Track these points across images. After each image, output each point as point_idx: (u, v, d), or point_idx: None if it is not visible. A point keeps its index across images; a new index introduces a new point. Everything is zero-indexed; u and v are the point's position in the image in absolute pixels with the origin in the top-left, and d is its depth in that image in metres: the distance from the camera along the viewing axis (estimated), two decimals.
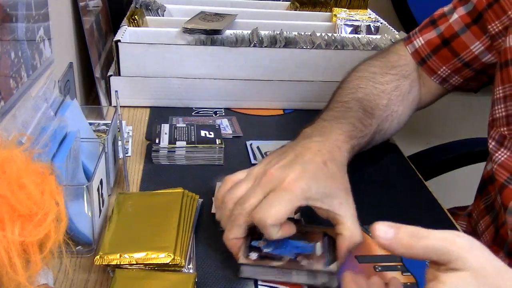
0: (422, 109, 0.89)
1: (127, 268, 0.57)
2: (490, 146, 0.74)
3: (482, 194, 0.85)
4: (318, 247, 0.58)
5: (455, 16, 0.80)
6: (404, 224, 0.46)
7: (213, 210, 0.68)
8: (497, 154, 0.73)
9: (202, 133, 0.85)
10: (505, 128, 0.71)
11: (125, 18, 1.11)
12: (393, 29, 1.17)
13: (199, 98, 1.01)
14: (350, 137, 0.69)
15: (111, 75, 0.98)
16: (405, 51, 0.86)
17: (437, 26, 0.83)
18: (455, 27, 0.80)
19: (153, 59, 0.98)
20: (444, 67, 0.82)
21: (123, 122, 0.88)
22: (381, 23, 1.23)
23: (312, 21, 1.26)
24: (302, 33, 1.08)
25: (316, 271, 0.55)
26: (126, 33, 1.03)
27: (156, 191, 0.69)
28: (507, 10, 0.73)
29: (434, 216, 0.74)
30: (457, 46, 0.80)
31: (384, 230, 0.46)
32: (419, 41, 0.84)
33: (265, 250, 0.57)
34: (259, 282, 0.58)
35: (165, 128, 0.86)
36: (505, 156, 0.71)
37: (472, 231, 0.85)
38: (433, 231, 0.45)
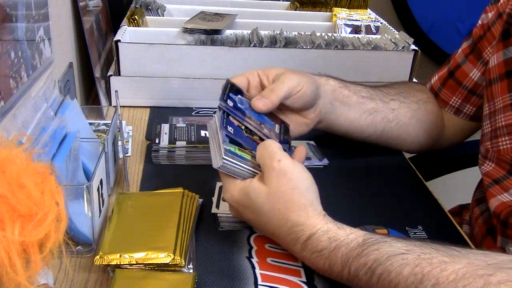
0: (453, 144, 0.94)
1: (127, 268, 0.57)
2: (479, 159, 0.78)
3: (477, 188, 0.88)
4: (277, 127, 0.69)
5: (459, 50, 0.88)
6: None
7: (213, 210, 0.68)
8: (483, 167, 0.77)
9: (202, 133, 0.84)
10: (488, 143, 0.75)
11: (125, 18, 1.11)
12: (393, 29, 1.17)
13: (199, 98, 1.01)
14: (330, 76, 0.80)
15: (111, 75, 0.98)
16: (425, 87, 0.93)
17: (449, 62, 0.90)
18: (458, 59, 0.88)
19: (153, 59, 0.98)
20: (454, 97, 0.87)
21: (123, 122, 0.88)
22: (381, 23, 1.23)
23: (312, 21, 1.26)
24: (302, 33, 1.08)
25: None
26: (126, 33, 1.03)
27: (156, 191, 0.69)
28: (496, 35, 0.78)
29: (434, 217, 0.74)
30: (459, 75, 0.86)
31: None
32: (434, 78, 0.91)
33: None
34: (259, 282, 0.58)
35: (165, 128, 0.86)
36: (490, 167, 0.75)
37: (470, 223, 0.88)
38: (273, 144, 0.60)
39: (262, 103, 0.66)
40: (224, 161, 0.59)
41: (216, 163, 0.60)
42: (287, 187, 0.57)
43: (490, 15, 0.81)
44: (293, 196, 0.57)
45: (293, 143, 0.87)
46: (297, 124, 0.75)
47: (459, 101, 0.86)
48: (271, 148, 0.60)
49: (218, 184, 0.73)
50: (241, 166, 0.60)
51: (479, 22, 0.84)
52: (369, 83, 0.86)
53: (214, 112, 0.66)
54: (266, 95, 0.67)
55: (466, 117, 0.87)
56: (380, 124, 0.82)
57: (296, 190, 0.57)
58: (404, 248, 0.52)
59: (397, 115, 0.83)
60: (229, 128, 0.62)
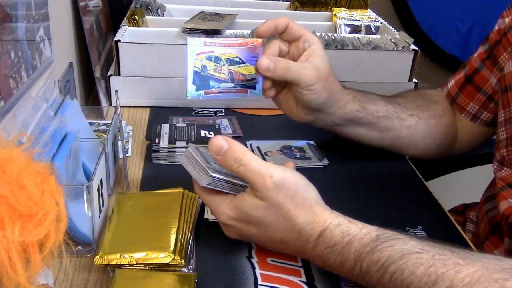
0: (469, 151, 0.92)
1: (127, 268, 0.57)
2: (494, 166, 0.77)
3: (488, 187, 0.87)
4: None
5: (475, 54, 0.86)
6: (235, 144, 0.56)
7: (210, 218, 0.67)
8: (500, 173, 0.75)
9: (202, 133, 0.84)
10: (504, 150, 0.74)
11: (125, 18, 1.11)
12: (393, 29, 1.17)
13: None
14: (355, 96, 0.78)
15: (111, 75, 0.98)
16: (440, 91, 0.91)
17: (465, 67, 0.87)
18: (474, 64, 0.85)
19: (153, 59, 0.97)
20: (471, 103, 0.85)
21: (123, 122, 0.88)
22: (381, 23, 1.23)
23: (312, 21, 1.26)
24: None
25: None
26: (126, 33, 1.03)
27: (156, 191, 0.69)
28: (511, 41, 0.77)
29: (434, 217, 0.74)
30: (478, 81, 0.84)
31: (217, 144, 0.56)
32: (451, 83, 0.89)
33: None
34: (259, 282, 0.58)
35: (165, 128, 0.86)
36: (506, 173, 0.74)
37: (476, 221, 0.88)
38: (253, 161, 0.55)
39: (267, 64, 0.67)
40: (213, 175, 0.57)
41: (204, 181, 0.57)
42: (287, 197, 0.55)
43: (507, 20, 0.80)
44: (296, 203, 0.56)
45: (293, 143, 0.87)
46: (298, 114, 0.75)
47: (477, 107, 0.85)
48: (253, 164, 0.55)
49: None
50: (230, 179, 0.57)
51: (496, 27, 0.82)
52: (372, 83, 0.86)
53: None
54: (277, 65, 0.67)
55: (483, 124, 0.85)
56: (389, 139, 0.82)
57: (297, 196, 0.56)
58: (418, 247, 0.51)
59: (411, 133, 0.83)
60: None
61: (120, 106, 0.73)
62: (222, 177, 0.57)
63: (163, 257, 0.56)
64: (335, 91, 0.74)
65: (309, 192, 0.57)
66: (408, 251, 0.51)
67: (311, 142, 0.89)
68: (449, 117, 0.87)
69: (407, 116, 0.82)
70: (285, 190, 0.55)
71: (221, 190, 0.58)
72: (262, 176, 0.55)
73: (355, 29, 1.21)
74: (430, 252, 0.50)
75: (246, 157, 0.55)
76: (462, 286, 0.46)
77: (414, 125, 0.83)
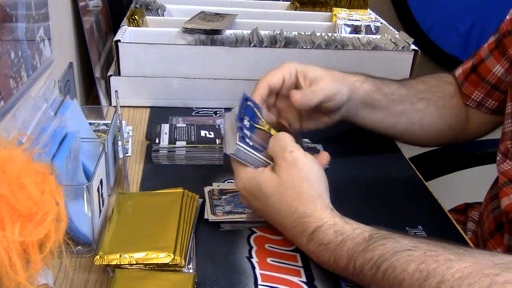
0: (477, 138, 0.94)
1: (127, 268, 0.57)
2: (498, 158, 0.77)
3: (493, 185, 0.88)
4: None
5: (485, 44, 0.87)
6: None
7: (210, 218, 0.67)
8: (502, 165, 0.76)
9: (202, 133, 0.84)
10: (509, 142, 0.74)
11: (125, 18, 1.11)
12: (393, 29, 1.17)
13: (199, 98, 1.01)
14: (367, 77, 0.81)
15: (111, 75, 0.98)
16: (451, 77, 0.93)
17: (474, 56, 0.89)
18: (482, 54, 0.86)
19: (153, 59, 0.98)
20: (476, 92, 0.86)
21: (123, 122, 0.88)
22: (381, 23, 1.23)
23: (312, 21, 1.26)
24: (302, 33, 1.08)
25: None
26: (126, 33, 1.03)
27: (156, 191, 0.69)
28: None
29: (434, 217, 0.74)
30: (482, 70, 0.85)
31: None
32: (458, 71, 0.91)
33: (226, 208, 0.69)
34: (259, 282, 0.58)
35: (165, 128, 0.86)
36: (509, 166, 0.75)
37: (480, 220, 0.88)
38: (286, 136, 0.61)
39: (300, 97, 0.70)
40: (238, 147, 0.60)
41: (229, 149, 0.61)
42: (296, 177, 0.58)
43: None
44: (302, 188, 0.58)
45: None
46: (317, 121, 0.78)
47: (481, 95, 0.86)
48: (284, 140, 0.61)
49: (207, 189, 0.72)
50: (254, 154, 0.61)
51: (507, 17, 0.82)
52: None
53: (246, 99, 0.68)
54: (306, 94, 0.71)
55: (488, 111, 0.87)
56: (402, 125, 0.84)
57: (305, 181, 0.58)
58: (410, 245, 0.51)
59: (421, 117, 0.85)
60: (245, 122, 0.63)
61: (120, 106, 0.73)
62: (247, 148, 0.60)
63: (163, 257, 0.56)
64: (347, 82, 0.77)
65: (318, 184, 0.59)
66: (400, 248, 0.51)
67: (311, 142, 0.89)
68: (459, 98, 0.89)
69: (418, 100, 0.85)
70: (297, 169, 0.58)
71: (242, 162, 0.61)
72: (284, 147, 0.60)
73: (355, 29, 1.21)
74: (422, 249, 0.51)
75: (282, 133, 0.62)
76: (453, 281, 0.46)
77: (423, 108, 0.85)
